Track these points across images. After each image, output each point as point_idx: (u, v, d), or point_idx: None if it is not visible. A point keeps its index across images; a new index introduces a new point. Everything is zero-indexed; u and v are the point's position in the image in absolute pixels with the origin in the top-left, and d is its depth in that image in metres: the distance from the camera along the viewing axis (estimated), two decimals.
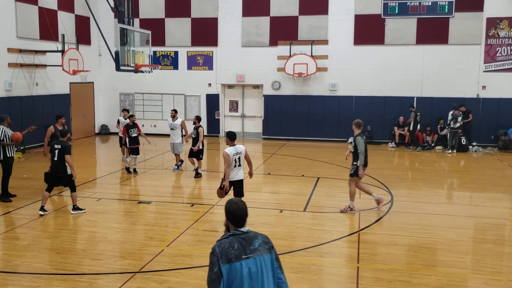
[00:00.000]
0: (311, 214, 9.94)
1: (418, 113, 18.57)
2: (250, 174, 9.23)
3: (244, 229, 3.59)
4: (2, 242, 8.26)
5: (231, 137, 8.88)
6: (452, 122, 17.74)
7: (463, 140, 17.96)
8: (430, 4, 18.93)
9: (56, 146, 9.68)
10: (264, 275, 3.47)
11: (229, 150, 8.71)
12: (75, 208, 9.87)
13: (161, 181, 13.04)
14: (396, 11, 19.25)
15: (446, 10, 18.84)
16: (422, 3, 19.00)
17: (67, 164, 9.62)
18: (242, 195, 8.83)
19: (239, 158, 8.84)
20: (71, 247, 7.99)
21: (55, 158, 9.65)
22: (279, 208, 10.32)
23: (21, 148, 16.87)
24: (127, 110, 15.82)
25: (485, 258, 7.61)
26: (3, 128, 10.65)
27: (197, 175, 13.17)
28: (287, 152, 17.11)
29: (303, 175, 13.32)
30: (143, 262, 7.30)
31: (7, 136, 10.65)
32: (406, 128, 19.05)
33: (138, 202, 10.63)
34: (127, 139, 13.78)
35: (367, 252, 7.78)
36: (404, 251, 7.96)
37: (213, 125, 21.60)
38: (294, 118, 20.39)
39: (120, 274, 6.91)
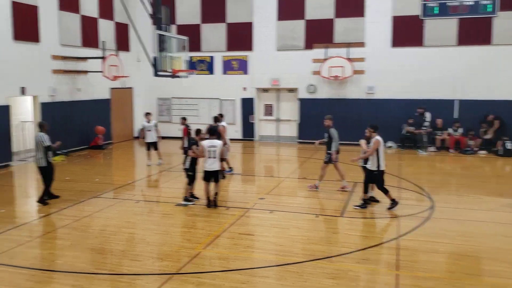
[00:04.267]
0: (348, 220, 9.80)
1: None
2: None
3: None
4: (46, 242, 8.55)
5: (211, 132, 10.76)
6: (429, 124, 18.39)
7: (509, 145, 17.32)
8: (472, 3, 18.39)
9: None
10: None
11: (205, 142, 10.45)
12: (185, 199, 10.86)
13: (197, 184, 13.15)
14: (436, 12, 18.80)
15: (489, 9, 18.25)
16: (463, 2, 18.48)
17: (188, 159, 10.86)
18: (218, 181, 10.60)
19: (214, 151, 10.31)
20: (111, 247, 8.17)
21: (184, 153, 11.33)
22: (315, 212, 10.24)
23: (64, 151, 17.40)
24: (150, 114, 16.13)
25: None
26: (43, 135, 10.82)
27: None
28: (323, 157, 16.92)
29: (339, 180, 13.15)
30: (181, 264, 7.38)
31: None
32: (445, 132, 18.56)
33: (176, 205, 10.77)
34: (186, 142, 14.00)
35: (407, 259, 7.59)
36: (446, 258, 7.73)
37: (248, 129, 21.68)
38: None
39: (158, 275, 7.01)
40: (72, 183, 13.12)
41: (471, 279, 6.89)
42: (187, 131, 14.14)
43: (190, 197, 10.97)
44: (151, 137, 15.57)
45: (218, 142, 10.55)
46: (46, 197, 10.94)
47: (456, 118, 18.72)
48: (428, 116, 18.43)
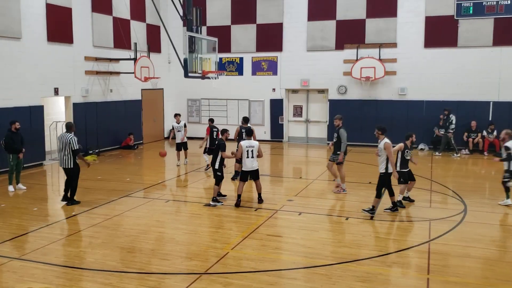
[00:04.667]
0: (378, 223, 9.64)
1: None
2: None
3: None
4: (78, 240, 8.72)
5: (248, 133, 11.28)
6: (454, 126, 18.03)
7: None
8: (509, 3, 17.84)
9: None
10: None
11: (243, 142, 10.84)
12: (213, 199, 10.86)
13: (225, 185, 13.19)
14: (471, 12, 18.35)
15: None
16: (500, 2, 17.95)
17: (218, 159, 10.91)
18: (258, 178, 10.94)
19: (252, 150, 10.68)
20: (140, 246, 8.27)
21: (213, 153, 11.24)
22: (345, 215, 10.12)
23: (96, 151, 17.77)
24: (179, 115, 16.30)
25: None
26: (73, 136, 10.72)
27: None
28: (353, 158, 16.76)
29: (370, 182, 12.97)
30: (209, 264, 7.41)
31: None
32: (479, 134, 18.08)
33: (204, 205, 10.84)
34: (208, 140, 14.38)
35: (438, 264, 7.42)
36: (479, 264, 7.51)
37: (277, 130, 21.65)
38: (361, 123, 19.93)
39: (186, 274, 7.05)
40: (104, 182, 13.36)
41: (506, 286, 6.66)
42: (209, 131, 14.33)
43: (218, 197, 11.01)
44: (181, 137, 15.76)
45: (255, 142, 10.87)
46: (74, 200, 10.93)
47: (491, 120, 18.21)
48: (453, 118, 17.96)
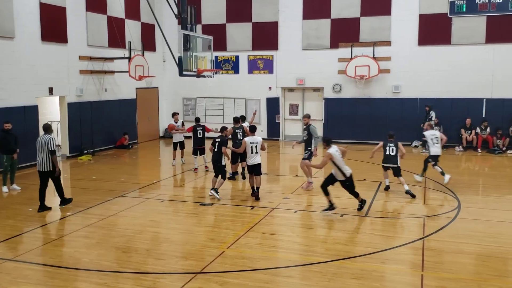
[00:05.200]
0: (372, 220, 9.70)
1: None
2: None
3: None
4: (73, 240, 8.70)
5: (252, 129, 11.37)
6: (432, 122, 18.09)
7: None
8: (501, 1, 17.95)
9: (217, 139, 11.41)
10: None
11: (247, 138, 11.12)
12: (216, 190, 11.13)
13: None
14: (464, 9, 18.43)
15: None
16: (492, 0, 18.04)
17: (223, 156, 11.25)
18: (260, 174, 11.21)
19: (255, 146, 10.98)
20: (136, 246, 8.27)
21: (215, 150, 11.37)
22: (339, 212, 10.15)
23: (91, 150, 17.73)
24: (177, 113, 16.27)
25: None
26: (51, 137, 10.31)
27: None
28: (348, 156, 16.63)
29: (364, 179, 13.04)
30: (204, 263, 7.42)
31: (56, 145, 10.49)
32: (473, 131, 18.17)
33: (200, 204, 10.85)
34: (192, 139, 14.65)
35: (432, 260, 7.47)
36: (472, 259, 7.57)
37: (273, 129, 21.67)
38: (356, 121, 20.01)
39: (182, 274, 7.06)
40: (99, 182, 13.34)
41: (498, 281, 6.72)
42: (192, 129, 14.63)
43: (216, 191, 11.21)
44: (179, 137, 15.76)
45: (259, 138, 11.21)
46: (65, 199, 10.73)
47: (484, 117, 18.32)
48: (433, 114, 18.10)
